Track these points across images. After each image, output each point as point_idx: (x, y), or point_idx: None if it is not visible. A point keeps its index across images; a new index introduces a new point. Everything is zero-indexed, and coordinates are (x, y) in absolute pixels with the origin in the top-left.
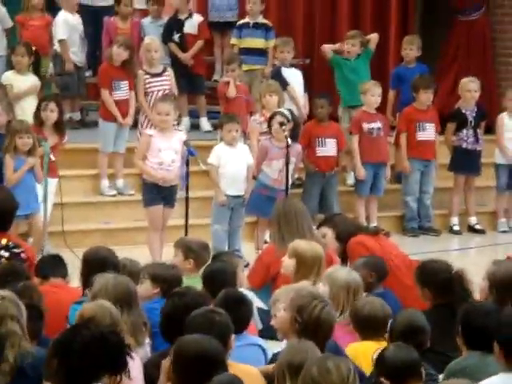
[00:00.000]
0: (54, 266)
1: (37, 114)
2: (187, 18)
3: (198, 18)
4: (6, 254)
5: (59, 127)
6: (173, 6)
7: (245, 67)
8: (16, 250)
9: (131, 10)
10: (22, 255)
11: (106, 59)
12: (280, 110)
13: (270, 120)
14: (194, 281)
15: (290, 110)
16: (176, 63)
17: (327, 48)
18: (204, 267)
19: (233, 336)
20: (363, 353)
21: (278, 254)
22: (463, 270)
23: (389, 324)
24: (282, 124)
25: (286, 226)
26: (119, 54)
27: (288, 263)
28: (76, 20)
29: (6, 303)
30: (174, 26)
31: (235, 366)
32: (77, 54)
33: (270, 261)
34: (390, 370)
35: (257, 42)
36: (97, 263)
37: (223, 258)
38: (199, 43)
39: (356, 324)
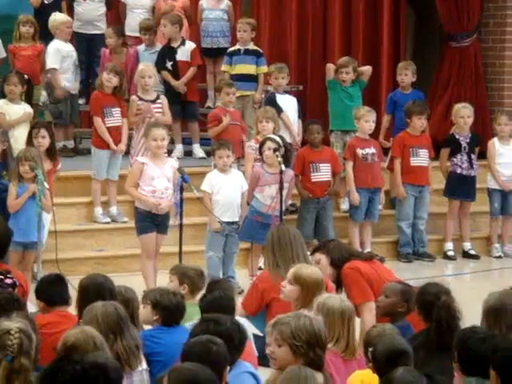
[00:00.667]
0: (59, 291)
1: (29, 142)
2: (180, 46)
3: (190, 45)
4: (11, 281)
5: (52, 153)
6: (166, 35)
7: (237, 93)
8: (0, 277)
9: (120, 41)
10: (7, 281)
11: (97, 87)
12: (271, 136)
13: (261, 146)
14: (189, 307)
15: (280, 136)
16: (169, 90)
17: (331, 68)
18: (203, 295)
19: (227, 368)
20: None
21: (272, 281)
22: (451, 296)
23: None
24: (275, 150)
25: (281, 252)
26: (109, 80)
27: (290, 289)
28: (69, 47)
29: (23, 337)
30: (167, 54)
31: None
32: (71, 82)
33: (264, 287)
34: None
35: (248, 68)
36: (93, 291)
37: (221, 286)
38: (192, 70)
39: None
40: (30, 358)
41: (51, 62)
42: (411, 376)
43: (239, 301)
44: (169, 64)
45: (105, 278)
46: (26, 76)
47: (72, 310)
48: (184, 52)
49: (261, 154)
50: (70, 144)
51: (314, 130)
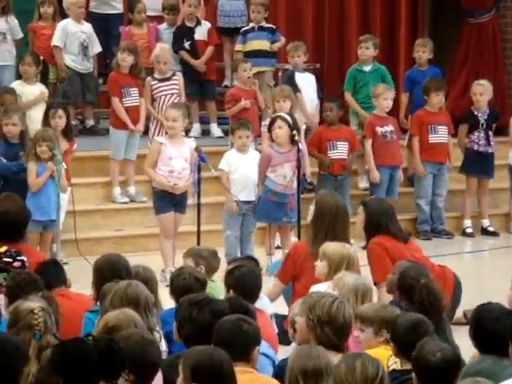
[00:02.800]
0: (55, 273)
1: (45, 122)
2: (196, 25)
3: (206, 25)
4: (18, 264)
5: (68, 133)
6: (186, 13)
7: (253, 70)
8: (8, 259)
9: (145, 16)
10: (15, 264)
11: (114, 67)
12: (281, 114)
13: (270, 125)
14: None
15: (290, 115)
16: (187, 70)
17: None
18: (229, 270)
19: (257, 348)
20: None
21: (307, 252)
22: (431, 279)
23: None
24: (292, 129)
25: (318, 224)
26: (124, 59)
27: (320, 265)
28: (79, 28)
29: (46, 315)
30: (184, 33)
31: (258, 377)
32: (76, 62)
33: (298, 255)
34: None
35: (262, 44)
36: (109, 271)
37: (246, 263)
38: (210, 49)
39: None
40: (54, 336)
41: (55, 39)
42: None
43: None
44: (186, 44)
45: (119, 256)
46: (41, 56)
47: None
48: (202, 31)
49: (270, 131)
50: (89, 123)
51: (328, 108)
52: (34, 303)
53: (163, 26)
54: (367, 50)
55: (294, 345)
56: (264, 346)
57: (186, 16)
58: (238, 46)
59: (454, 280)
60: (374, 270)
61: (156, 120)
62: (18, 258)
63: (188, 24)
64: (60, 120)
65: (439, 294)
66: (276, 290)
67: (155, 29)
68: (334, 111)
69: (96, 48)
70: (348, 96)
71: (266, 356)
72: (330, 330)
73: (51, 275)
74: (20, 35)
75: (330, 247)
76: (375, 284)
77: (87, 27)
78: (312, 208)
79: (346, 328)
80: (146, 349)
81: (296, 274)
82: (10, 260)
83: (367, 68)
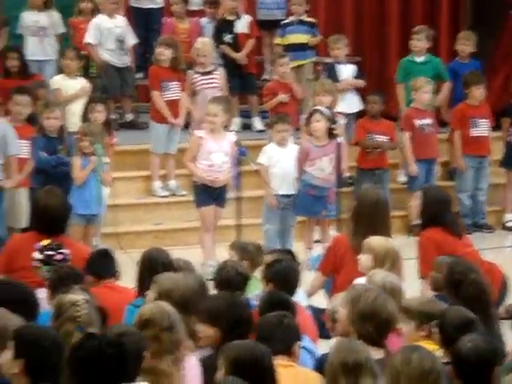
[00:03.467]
0: (106, 265)
1: (85, 116)
2: (236, 19)
3: (247, 18)
4: (39, 256)
5: (107, 127)
6: (227, 7)
7: (292, 63)
8: (50, 253)
9: (186, 9)
10: (58, 256)
11: (155, 61)
12: (318, 107)
13: (308, 118)
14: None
15: (328, 108)
16: (228, 64)
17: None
18: (268, 264)
19: (298, 343)
20: None
21: (349, 246)
22: (480, 274)
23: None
24: (332, 123)
25: (360, 219)
26: (161, 53)
27: (364, 259)
28: (113, 23)
29: (89, 308)
30: (225, 27)
31: (298, 370)
32: (113, 56)
33: (338, 247)
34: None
35: (301, 38)
36: (148, 265)
37: (285, 257)
38: (251, 42)
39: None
40: (98, 328)
41: (87, 36)
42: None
43: None
44: (227, 37)
45: (158, 251)
46: (82, 51)
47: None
48: (242, 24)
49: (307, 125)
50: (128, 117)
51: (371, 101)
52: (77, 296)
53: (205, 20)
54: (419, 41)
55: (332, 338)
56: (305, 340)
57: (227, 10)
58: (277, 39)
59: (501, 278)
60: (421, 264)
61: (197, 114)
62: (60, 250)
63: (228, 17)
64: (99, 114)
65: (487, 289)
66: (317, 282)
67: (197, 23)
68: (378, 104)
69: (131, 40)
70: (399, 88)
71: (307, 350)
72: (372, 325)
73: (101, 266)
74: (61, 30)
75: (375, 241)
76: (422, 278)
77: (121, 21)
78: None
79: (387, 324)
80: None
81: (337, 266)
82: (53, 253)
83: (420, 59)
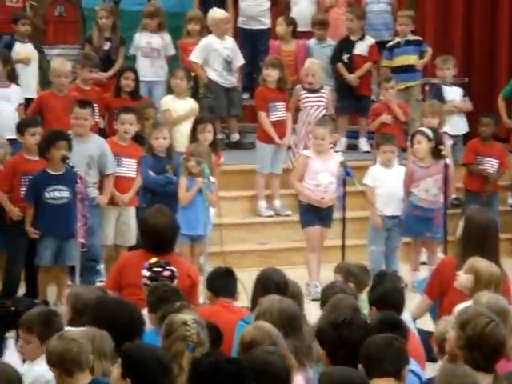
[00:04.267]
0: (225, 283)
1: (193, 136)
2: (359, 40)
3: (369, 40)
4: (148, 274)
5: (214, 147)
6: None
7: (400, 85)
8: (158, 269)
9: (289, 30)
10: (165, 273)
11: (261, 82)
12: (420, 128)
13: (411, 139)
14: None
15: (432, 129)
16: (341, 84)
17: None
18: (371, 287)
19: (407, 367)
20: None
21: (455, 268)
22: None
23: None
24: (434, 143)
25: (468, 241)
26: (268, 74)
27: (464, 278)
28: (222, 44)
29: (198, 328)
30: (345, 47)
31: None
32: (221, 77)
33: (445, 272)
34: None
35: (409, 59)
36: (269, 285)
37: (390, 279)
38: (367, 65)
39: None
40: (206, 348)
41: (193, 55)
42: None
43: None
44: (345, 57)
45: (274, 271)
46: (192, 73)
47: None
48: (362, 46)
49: (411, 146)
50: (234, 137)
51: (484, 123)
52: (187, 315)
53: (313, 42)
54: None
55: (439, 362)
56: (412, 363)
57: (349, 30)
58: (385, 62)
59: None
60: None
61: (301, 131)
62: (168, 267)
63: (352, 37)
64: (209, 134)
65: None
66: (423, 306)
67: (304, 46)
68: (490, 127)
69: (239, 61)
70: (501, 102)
71: (414, 373)
72: (480, 353)
73: (220, 284)
74: (172, 52)
75: (481, 263)
76: None
77: (230, 42)
78: (461, 224)
79: (497, 352)
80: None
81: (443, 290)
82: (161, 270)
83: None
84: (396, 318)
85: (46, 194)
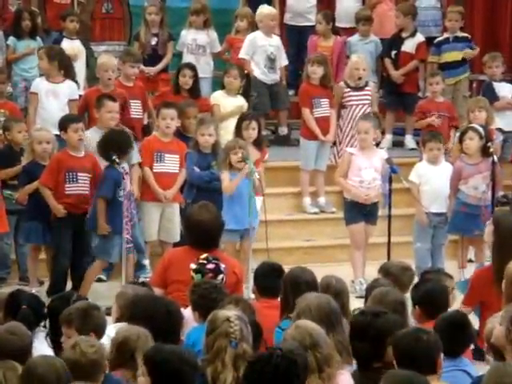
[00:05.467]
0: (270, 281)
1: (238, 133)
2: (409, 37)
3: (419, 38)
4: (194, 266)
5: (259, 143)
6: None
7: (450, 80)
8: (203, 261)
9: (329, 28)
10: (209, 266)
11: (305, 78)
12: (472, 125)
13: (461, 136)
14: None
15: (483, 126)
16: (388, 80)
17: None
18: (415, 284)
19: (441, 356)
20: None
21: (489, 277)
22: None
23: None
24: (487, 141)
25: (502, 246)
26: (314, 71)
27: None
28: (267, 41)
29: (241, 324)
30: (395, 42)
31: None
32: (264, 74)
33: (479, 283)
34: None
35: (457, 55)
36: (289, 283)
37: (436, 277)
38: (414, 63)
39: None
40: (250, 344)
41: (242, 52)
42: None
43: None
44: (393, 53)
45: (303, 270)
46: (245, 71)
47: None
48: (411, 43)
49: (461, 142)
50: (283, 131)
51: None
52: (230, 311)
53: (356, 38)
54: None
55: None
56: (464, 362)
57: (398, 26)
58: (433, 58)
59: None
60: None
61: (342, 127)
62: (214, 261)
63: (402, 34)
64: (253, 131)
65: None
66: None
67: (341, 43)
68: None
69: (283, 61)
70: None
71: (467, 373)
72: None
73: (266, 282)
74: (218, 48)
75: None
76: None
77: (276, 40)
78: (490, 228)
79: None
80: None
81: (484, 300)
82: (205, 262)
83: None
84: (462, 317)
85: (120, 192)
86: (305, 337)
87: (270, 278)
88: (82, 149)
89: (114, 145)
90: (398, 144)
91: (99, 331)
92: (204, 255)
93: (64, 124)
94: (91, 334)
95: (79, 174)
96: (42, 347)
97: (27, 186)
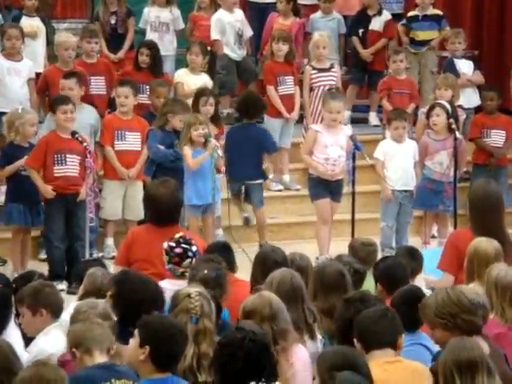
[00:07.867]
0: (225, 258)
1: (195, 109)
2: (375, 15)
3: (386, 16)
4: (165, 246)
5: (217, 119)
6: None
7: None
8: (172, 244)
9: (289, 6)
10: (177, 250)
11: (269, 55)
12: (440, 101)
13: (428, 111)
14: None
15: (450, 103)
16: (354, 57)
17: None
18: (376, 265)
19: (402, 335)
20: None
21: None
22: None
23: None
24: (450, 117)
25: (476, 215)
26: (279, 48)
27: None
28: (233, 17)
29: (203, 300)
30: (361, 21)
31: (406, 364)
32: (233, 51)
33: (460, 244)
34: None
35: (427, 34)
36: (268, 263)
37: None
38: (383, 41)
39: None
40: (212, 320)
41: (213, 33)
42: None
43: None
44: (360, 31)
45: (273, 250)
46: (208, 47)
47: None
48: (378, 22)
49: (428, 118)
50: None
51: (488, 97)
52: (192, 288)
53: (318, 15)
54: None
55: None
56: (422, 337)
57: (367, 3)
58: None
59: None
60: None
61: (312, 108)
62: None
63: (369, 12)
64: (211, 107)
65: None
66: (445, 284)
67: (300, 25)
68: (494, 101)
69: (249, 32)
70: None
71: (425, 347)
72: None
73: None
74: (181, 26)
75: (477, 242)
76: None
77: (239, 15)
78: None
79: (474, 311)
80: None
81: (461, 262)
82: (173, 245)
83: None
84: (417, 291)
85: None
86: (265, 306)
87: (220, 253)
88: (70, 130)
89: None
90: (361, 121)
91: (52, 308)
92: (178, 235)
93: (53, 105)
94: (42, 310)
95: (68, 155)
96: (11, 332)
97: (7, 167)
